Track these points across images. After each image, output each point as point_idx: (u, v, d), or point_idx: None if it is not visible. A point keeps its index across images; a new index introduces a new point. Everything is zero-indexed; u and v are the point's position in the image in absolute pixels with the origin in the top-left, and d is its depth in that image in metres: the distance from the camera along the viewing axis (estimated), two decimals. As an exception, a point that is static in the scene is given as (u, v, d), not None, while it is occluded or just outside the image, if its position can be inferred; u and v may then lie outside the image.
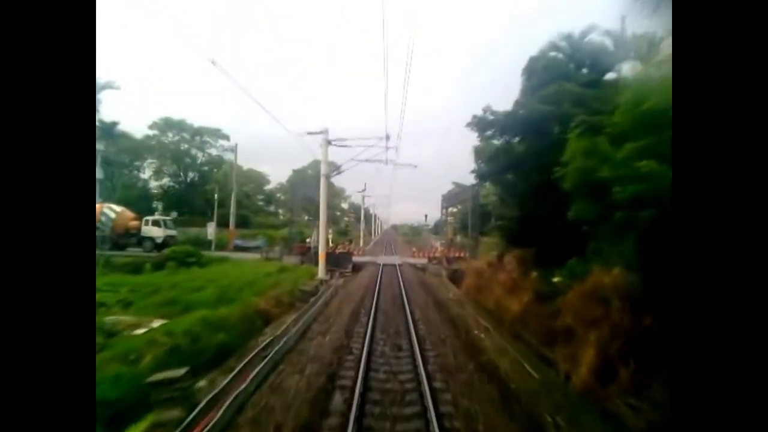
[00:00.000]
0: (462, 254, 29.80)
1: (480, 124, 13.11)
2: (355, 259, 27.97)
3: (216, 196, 34.01)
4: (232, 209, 32.55)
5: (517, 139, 13.59)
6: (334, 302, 13.60)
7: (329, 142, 17.61)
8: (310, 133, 17.47)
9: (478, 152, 18.15)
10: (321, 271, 17.78)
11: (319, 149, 17.83)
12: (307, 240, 26.20)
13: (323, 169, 17.76)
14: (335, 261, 26.53)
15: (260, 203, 57.79)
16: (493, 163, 14.53)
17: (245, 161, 58.35)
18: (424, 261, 28.02)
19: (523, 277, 14.07)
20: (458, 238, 35.13)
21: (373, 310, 12.16)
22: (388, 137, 16.91)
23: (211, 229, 32.48)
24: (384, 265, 26.21)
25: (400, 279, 19.61)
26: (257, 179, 57.76)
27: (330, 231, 33.96)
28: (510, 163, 13.68)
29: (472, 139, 14.65)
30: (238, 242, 32.67)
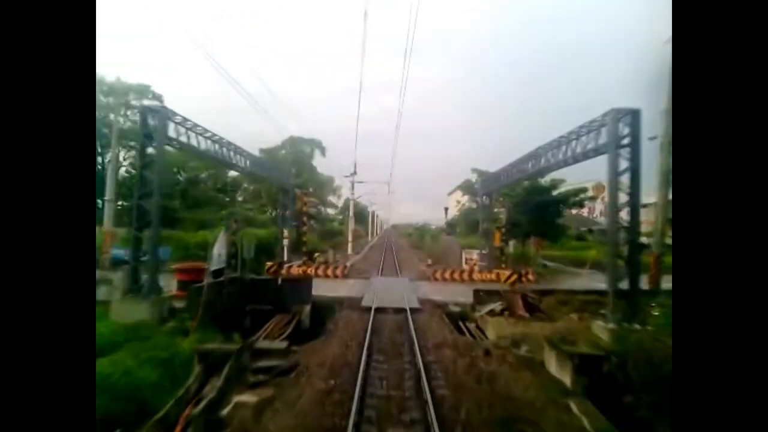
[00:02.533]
0: (528, 276, 15.38)
1: None
2: (323, 290, 13.59)
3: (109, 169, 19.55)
4: (108, 193, 18.06)
5: None
6: None
7: None
8: None
9: None
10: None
11: None
12: (216, 253, 11.70)
13: None
14: (272, 300, 12.05)
15: (218, 193, 43.06)
16: None
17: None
18: (461, 293, 13.52)
19: None
20: (511, 247, 20.59)
21: None
22: None
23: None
24: (379, 311, 11.70)
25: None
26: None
27: (285, 231, 19.38)
28: None
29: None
30: (119, 253, 18.09)
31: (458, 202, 49.16)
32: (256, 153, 39.86)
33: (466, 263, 19.03)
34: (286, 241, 18.89)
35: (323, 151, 43.76)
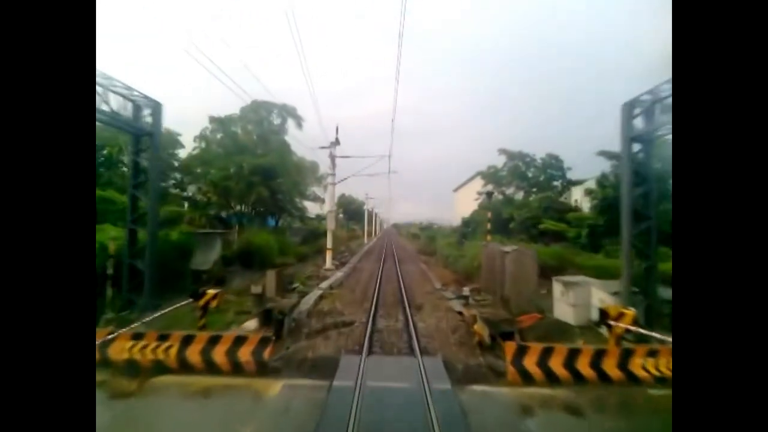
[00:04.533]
0: None
1: None
2: None
3: None
4: None
5: None
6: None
7: None
8: None
9: None
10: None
11: None
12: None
13: None
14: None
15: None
16: None
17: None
18: None
19: None
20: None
21: None
22: None
23: None
24: None
25: None
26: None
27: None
28: None
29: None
30: None
31: (479, 194, 37.35)
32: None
33: (608, 322, 6.95)
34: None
35: (299, 121, 31.38)
